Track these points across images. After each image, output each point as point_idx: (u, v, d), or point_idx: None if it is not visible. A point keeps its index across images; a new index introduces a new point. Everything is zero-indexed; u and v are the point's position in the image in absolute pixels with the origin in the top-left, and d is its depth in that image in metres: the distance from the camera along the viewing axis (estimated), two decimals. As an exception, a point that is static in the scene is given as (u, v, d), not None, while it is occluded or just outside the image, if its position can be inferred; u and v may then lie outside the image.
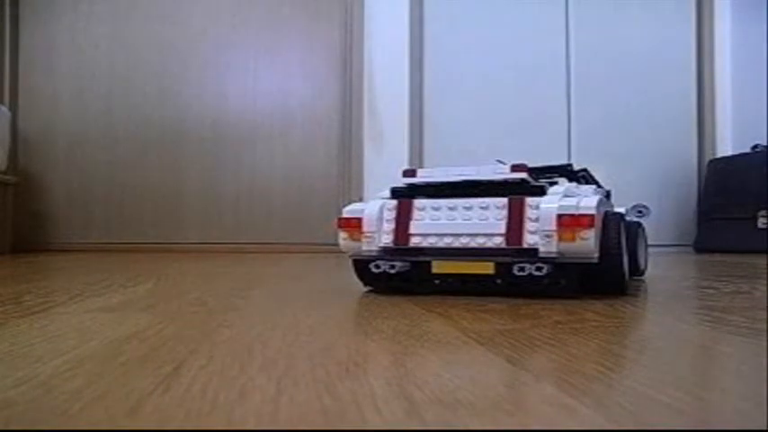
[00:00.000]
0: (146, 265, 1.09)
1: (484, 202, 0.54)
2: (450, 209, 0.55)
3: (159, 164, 1.93)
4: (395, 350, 0.30)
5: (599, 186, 0.67)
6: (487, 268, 0.52)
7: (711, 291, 0.59)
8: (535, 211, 0.51)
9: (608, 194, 0.68)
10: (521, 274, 0.50)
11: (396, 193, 0.60)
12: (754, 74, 1.87)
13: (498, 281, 0.52)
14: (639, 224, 0.70)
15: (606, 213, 0.53)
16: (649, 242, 0.83)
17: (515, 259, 0.51)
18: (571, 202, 0.50)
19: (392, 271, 0.54)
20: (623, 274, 0.53)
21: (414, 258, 0.55)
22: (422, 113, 1.91)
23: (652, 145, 1.93)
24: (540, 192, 0.53)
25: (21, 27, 1.96)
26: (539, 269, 0.49)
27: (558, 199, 0.51)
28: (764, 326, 0.37)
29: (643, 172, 1.92)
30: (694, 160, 1.95)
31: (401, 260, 0.55)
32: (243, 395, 0.22)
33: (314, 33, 1.92)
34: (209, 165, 1.92)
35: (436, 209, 0.56)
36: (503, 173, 0.54)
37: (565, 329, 0.36)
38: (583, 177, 0.69)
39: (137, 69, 1.94)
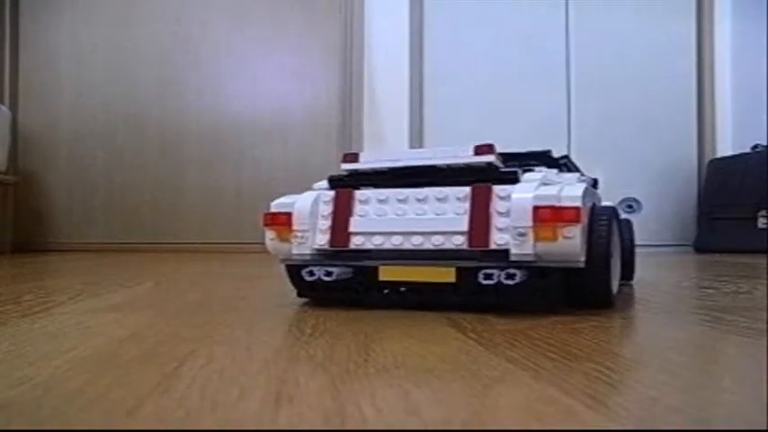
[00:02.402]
0: (146, 265, 1.09)
1: (441, 193, 0.44)
2: (400, 201, 0.45)
3: (159, 164, 1.92)
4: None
5: (583, 175, 0.56)
6: (447, 275, 0.42)
7: (711, 290, 0.59)
8: (505, 203, 0.41)
9: (595, 183, 0.58)
10: (487, 282, 0.40)
11: (334, 182, 0.49)
12: (754, 74, 1.87)
13: (459, 291, 0.43)
14: (628, 221, 0.61)
15: (594, 206, 0.45)
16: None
17: (481, 263, 0.41)
18: (551, 191, 0.41)
19: (328, 278, 0.44)
20: (610, 285, 0.45)
21: (355, 263, 0.45)
22: (422, 113, 1.91)
23: (652, 145, 1.93)
24: (512, 179, 0.44)
25: (21, 27, 1.96)
26: (510, 276, 0.39)
27: (533, 187, 0.41)
28: (764, 326, 0.37)
29: (643, 172, 1.91)
30: (694, 160, 1.95)
31: (340, 265, 0.45)
32: (243, 395, 0.22)
33: (314, 33, 1.92)
34: (210, 165, 1.92)
35: (383, 201, 0.46)
36: (464, 156, 0.45)
37: (565, 329, 0.36)
38: (564, 165, 0.58)
39: (136, 69, 1.94)
